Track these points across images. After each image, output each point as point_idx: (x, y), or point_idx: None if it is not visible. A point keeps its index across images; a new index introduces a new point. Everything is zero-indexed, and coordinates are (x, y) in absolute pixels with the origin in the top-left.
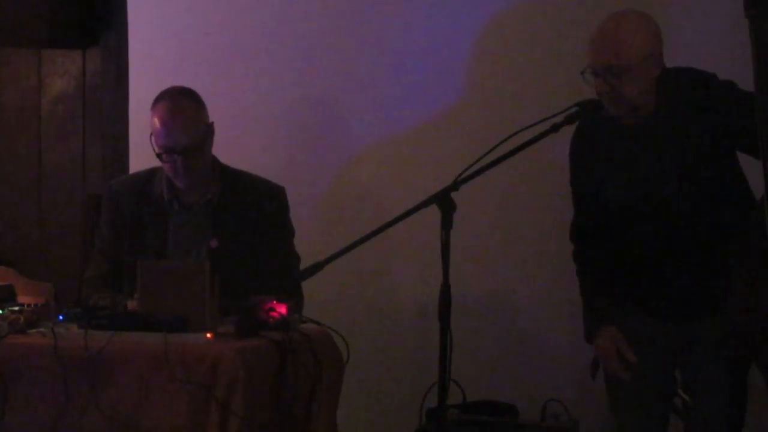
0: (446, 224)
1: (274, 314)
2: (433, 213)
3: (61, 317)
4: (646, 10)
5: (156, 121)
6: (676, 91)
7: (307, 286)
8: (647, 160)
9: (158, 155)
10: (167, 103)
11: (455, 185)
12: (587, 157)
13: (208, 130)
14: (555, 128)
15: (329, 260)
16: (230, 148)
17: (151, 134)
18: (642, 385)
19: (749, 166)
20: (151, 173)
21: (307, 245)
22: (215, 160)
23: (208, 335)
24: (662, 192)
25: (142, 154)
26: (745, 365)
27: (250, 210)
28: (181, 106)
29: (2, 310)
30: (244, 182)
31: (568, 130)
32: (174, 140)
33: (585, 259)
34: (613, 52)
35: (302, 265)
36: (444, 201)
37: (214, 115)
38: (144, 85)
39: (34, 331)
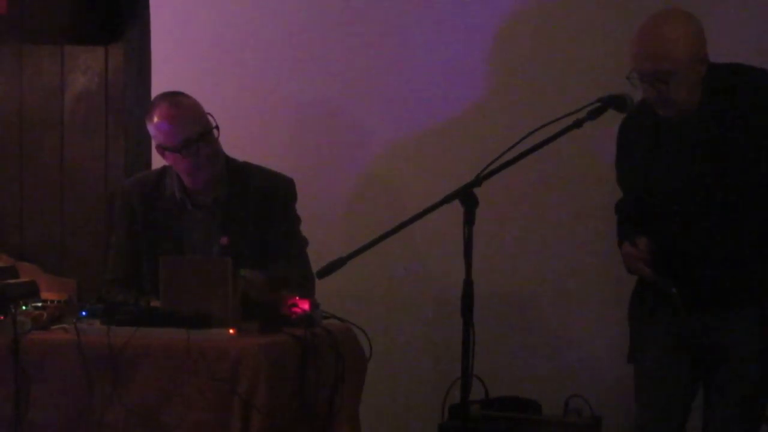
0: (469, 220)
1: (297, 310)
2: (456, 209)
3: (84, 313)
4: (696, 7)
5: (162, 124)
6: (723, 88)
7: (329, 282)
8: (688, 156)
9: (178, 151)
10: (165, 103)
11: (478, 181)
12: (630, 146)
13: (211, 120)
14: (578, 124)
15: (352, 256)
16: (252, 147)
17: (159, 145)
18: (668, 373)
19: None
20: (162, 173)
21: (330, 242)
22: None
23: (231, 331)
24: (700, 187)
25: None
26: None
27: (258, 203)
28: (182, 100)
29: (25, 306)
30: (252, 176)
31: (591, 126)
32: (189, 130)
33: (626, 213)
34: (659, 57)
35: (325, 261)
36: (467, 197)
37: (236, 112)
38: (166, 81)
39: (57, 327)
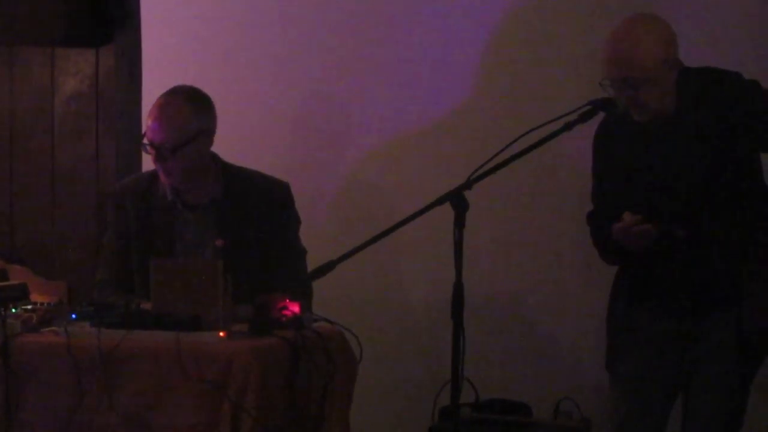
0: (459, 223)
1: (287, 313)
2: (446, 212)
3: (74, 316)
4: (670, 9)
5: (148, 114)
6: (698, 92)
7: (320, 284)
8: (665, 160)
9: (143, 146)
10: (162, 98)
11: (468, 184)
12: (608, 150)
13: (199, 134)
14: (568, 126)
15: (342, 259)
16: (241, 148)
17: None
18: (646, 380)
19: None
20: (154, 174)
21: (320, 244)
22: (216, 159)
23: (222, 334)
24: (678, 191)
25: None
26: (755, 364)
27: (254, 208)
28: (171, 104)
29: (15, 308)
30: (247, 180)
31: (582, 129)
32: (152, 134)
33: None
34: (628, 65)
35: (314, 264)
36: (457, 199)
37: (224, 114)
38: (157, 83)
39: (47, 329)
